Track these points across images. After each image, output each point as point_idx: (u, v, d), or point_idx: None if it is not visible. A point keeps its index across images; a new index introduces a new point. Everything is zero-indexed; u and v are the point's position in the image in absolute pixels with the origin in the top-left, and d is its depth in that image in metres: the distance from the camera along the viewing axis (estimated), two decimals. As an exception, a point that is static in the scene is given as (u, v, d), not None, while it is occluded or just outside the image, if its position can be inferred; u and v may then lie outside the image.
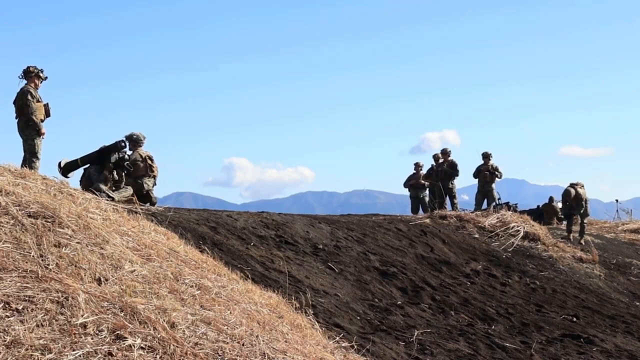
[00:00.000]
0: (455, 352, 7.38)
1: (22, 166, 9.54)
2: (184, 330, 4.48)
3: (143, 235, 6.25)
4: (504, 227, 14.96)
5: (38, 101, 10.74)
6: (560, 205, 19.29)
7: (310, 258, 9.57)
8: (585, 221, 16.41)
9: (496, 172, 17.82)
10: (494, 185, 17.94)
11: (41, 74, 10.88)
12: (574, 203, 16.02)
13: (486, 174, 17.75)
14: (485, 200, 17.93)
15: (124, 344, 4.07)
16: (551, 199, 20.23)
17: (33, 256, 4.77)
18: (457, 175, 17.75)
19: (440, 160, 17.79)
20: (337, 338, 6.21)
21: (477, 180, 18.07)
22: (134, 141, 11.51)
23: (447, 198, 17.63)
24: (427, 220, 14.09)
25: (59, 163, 10.69)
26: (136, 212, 7.41)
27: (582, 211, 16.15)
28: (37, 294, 4.29)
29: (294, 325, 5.78)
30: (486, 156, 17.91)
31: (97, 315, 4.25)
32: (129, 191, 10.68)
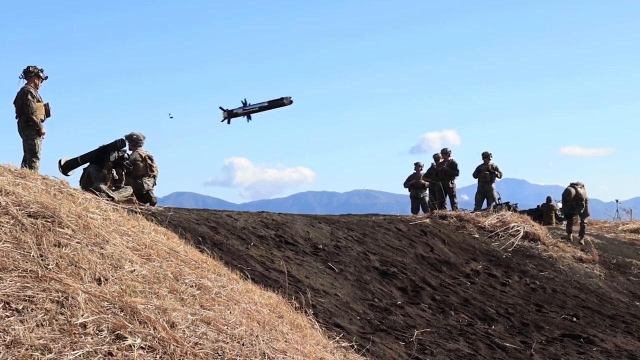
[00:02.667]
0: (455, 352, 7.38)
1: (22, 166, 9.53)
2: (184, 330, 4.48)
3: (143, 235, 6.25)
4: (504, 227, 14.96)
5: (38, 101, 10.74)
6: (559, 205, 19.30)
7: (310, 258, 9.57)
8: (585, 221, 16.41)
9: (496, 172, 17.83)
10: (493, 185, 17.94)
11: (41, 74, 10.87)
12: (574, 203, 16.03)
13: (486, 173, 17.75)
14: (485, 200, 17.94)
15: (124, 343, 4.07)
16: (549, 199, 20.25)
17: (33, 256, 4.77)
18: (457, 175, 17.76)
19: (441, 160, 17.80)
20: (337, 338, 6.21)
21: (477, 180, 18.08)
22: (134, 141, 11.51)
23: (447, 198, 17.64)
24: (427, 220, 14.09)
25: (59, 161, 10.71)
26: (136, 212, 7.41)
27: (582, 211, 16.15)
28: (37, 294, 4.29)
29: (294, 325, 5.78)
30: (486, 156, 17.91)
31: (97, 315, 4.25)
32: (128, 191, 10.69)
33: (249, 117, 12.52)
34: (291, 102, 12.13)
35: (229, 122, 12.51)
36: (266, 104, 12.09)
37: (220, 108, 12.31)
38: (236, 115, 12.38)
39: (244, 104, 12.74)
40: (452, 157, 17.83)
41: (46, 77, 10.97)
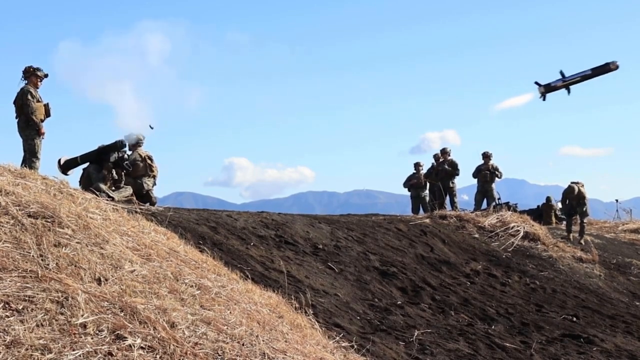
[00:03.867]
0: (455, 352, 7.38)
1: (22, 166, 9.53)
2: (184, 330, 4.48)
3: (143, 235, 6.25)
4: (504, 227, 14.96)
5: (38, 101, 10.72)
6: (559, 205, 19.30)
7: (310, 258, 9.57)
8: (585, 221, 16.41)
9: (496, 172, 17.82)
10: (493, 185, 17.94)
11: (38, 72, 10.81)
12: (574, 202, 16.02)
13: (486, 173, 17.75)
14: (485, 200, 17.93)
15: (124, 343, 4.07)
16: (548, 199, 20.25)
17: (33, 256, 4.77)
18: (458, 175, 17.75)
19: (440, 160, 17.78)
20: (337, 338, 6.21)
21: (476, 180, 18.07)
22: (133, 141, 11.53)
23: (447, 197, 17.62)
24: (427, 220, 14.09)
25: (59, 160, 10.72)
26: (136, 212, 7.41)
27: (583, 209, 16.15)
28: (37, 294, 4.29)
29: (294, 325, 5.78)
30: (486, 156, 17.91)
31: (97, 315, 4.25)
32: (128, 191, 10.69)
33: (569, 90, 11.83)
34: (617, 67, 11.49)
35: (544, 99, 11.78)
36: (589, 72, 11.43)
37: (536, 83, 11.67)
38: (555, 89, 11.70)
39: (563, 75, 12.00)
40: (452, 156, 17.82)
41: (46, 75, 10.90)
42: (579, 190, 15.97)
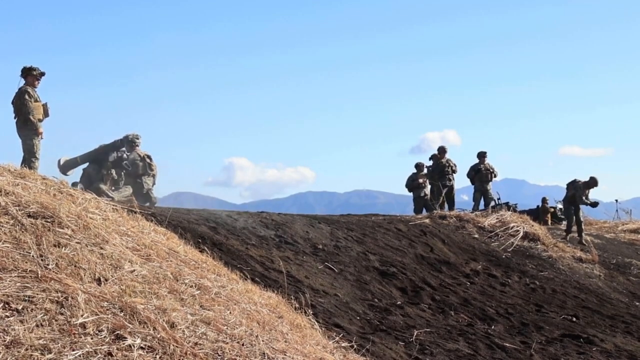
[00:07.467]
0: (455, 352, 7.38)
1: (21, 166, 9.51)
2: (183, 330, 4.47)
3: (143, 235, 6.25)
4: (504, 227, 14.97)
5: (36, 101, 10.68)
6: (559, 205, 19.30)
7: (310, 258, 9.57)
8: (582, 219, 16.39)
9: (493, 172, 17.82)
10: (491, 185, 17.95)
11: (34, 72, 10.74)
12: (587, 195, 16.08)
13: (485, 173, 17.75)
14: (483, 200, 17.91)
15: (124, 344, 4.06)
16: (544, 200, 20.29)
17: (33, 256, 4.76)
18: (456, 172, 17.74)
19: (439, 156, 17.73)
20: (337, 338, 6.21)
21: (471, 180, 18.04)
22: (130, 142, 11.55)
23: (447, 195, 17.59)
24: (427, 220, 14.10)
25: (59, 161, 10.72)
26: (136, 212, 7.40)
27: (589, 201, 16.20)
28: (37, 294, 4.29)
29: (293, 325, 5.78)
30: (483, 155, 17.89)
31: (97, 315, 4.25)
32: (128, 191, 10.71)
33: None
34: None
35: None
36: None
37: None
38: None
39: None
40: (448, 155, 17.79)
41: (42, 74, 10.80)
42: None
